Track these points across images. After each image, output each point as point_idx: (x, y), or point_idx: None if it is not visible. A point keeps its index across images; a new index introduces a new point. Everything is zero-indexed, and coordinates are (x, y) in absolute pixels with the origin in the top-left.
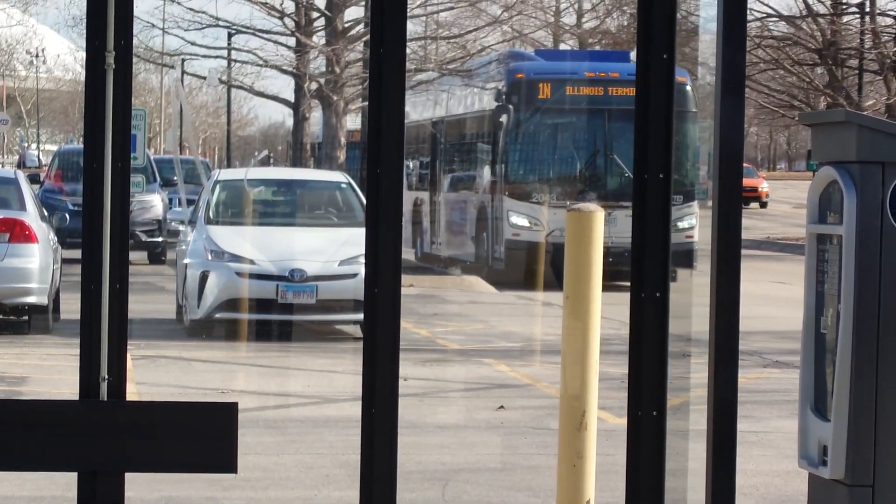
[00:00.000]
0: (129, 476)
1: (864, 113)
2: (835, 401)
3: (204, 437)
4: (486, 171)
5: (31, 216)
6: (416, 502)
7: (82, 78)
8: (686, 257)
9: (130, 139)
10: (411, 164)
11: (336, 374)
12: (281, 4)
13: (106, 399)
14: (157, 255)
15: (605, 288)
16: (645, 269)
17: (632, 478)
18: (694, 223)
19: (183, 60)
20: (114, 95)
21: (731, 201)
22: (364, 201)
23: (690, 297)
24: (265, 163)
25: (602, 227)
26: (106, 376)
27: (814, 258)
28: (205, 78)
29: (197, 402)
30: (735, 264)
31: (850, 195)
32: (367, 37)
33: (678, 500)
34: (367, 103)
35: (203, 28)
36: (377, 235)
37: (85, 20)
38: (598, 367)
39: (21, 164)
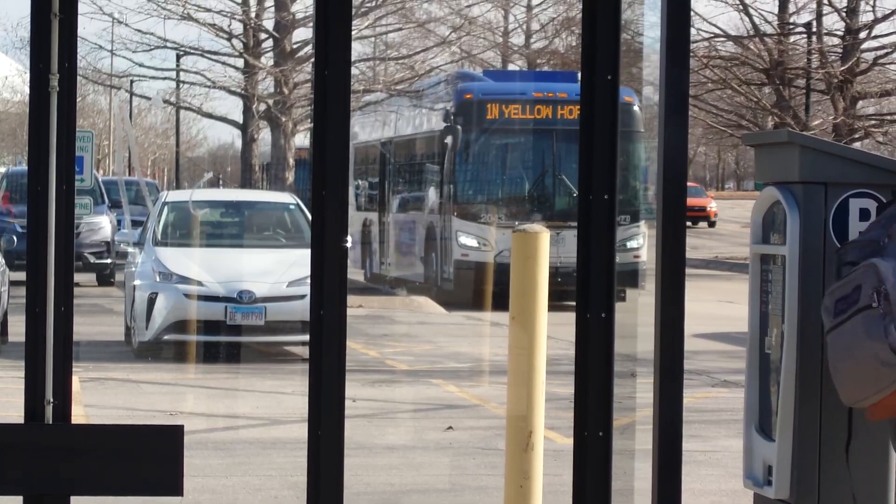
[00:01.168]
0: (75, 500)
1: (811, 132)
2: (779, 421)
3: (150, 459)
4: (432, 191)
5: None
6: None
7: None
8: (633, 277)
9: (75, 162)
10: (360, 185)
11: (285, 396)
12: (229, 26)
13: (51, 422)
14: (105, 277)
15: (554, 308)
16: (590, 289)
17: (578, 499)
18: (642, 243)
19: (132, 82)
20: (58, 118)
21: (675, 221)
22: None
23: (637, 316)
24: (213, 184)
25: (547, 248)
26: (51, 399)
27: (757, 278)
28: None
29: (143, 426)
30: (679, 284)
31: (792, 215)
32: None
33: None
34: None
35: (151, 49)
36: (322, 257)
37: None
38: (546, 388)
39: None
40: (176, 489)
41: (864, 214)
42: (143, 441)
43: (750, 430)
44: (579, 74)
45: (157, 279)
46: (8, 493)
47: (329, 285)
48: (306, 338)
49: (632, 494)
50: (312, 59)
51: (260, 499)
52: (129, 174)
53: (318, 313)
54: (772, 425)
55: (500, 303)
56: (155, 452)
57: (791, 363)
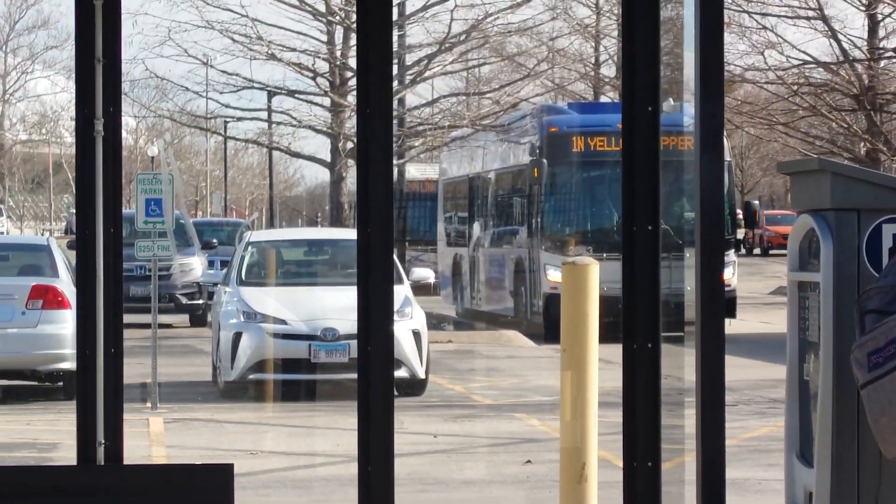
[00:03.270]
0: None
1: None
2: (817, 448)
3: (201, 498)
4: (520, 225)
5: (64, 282)
6: None
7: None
8: (727, 306)
9: (121, 205)
10: (450, 220)
11: None
12: (313, 65)
13: (103, 463)
14: (198, 318)
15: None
16: (636, 320)
17: None
18: (732, 272)
19: (226, 123)
20: (103, 162)
21: (713, 253)
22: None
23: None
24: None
25: (597, 280)
26: (102, 440)
27: (796, 305)
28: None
29: (193, 465)
30: (718, 314)
31: (826, 243)
32: (401, 94)
33: None
34: (401, 160)
35: (238, 90)
36: (368, 294)
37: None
38: (597, 419)
39: (68, 231)
40: None
41: None
42: (194, 480)
43: (791, 456)
44: (664, 104)
45: (242, 319)
46: None
47: (375, 321)
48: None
49: None
50: (399, 96)
51: None
52: (227, 215)
53: (366, 348)
54: (811, 452)
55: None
56: (205, 491)
57: (828, 390)
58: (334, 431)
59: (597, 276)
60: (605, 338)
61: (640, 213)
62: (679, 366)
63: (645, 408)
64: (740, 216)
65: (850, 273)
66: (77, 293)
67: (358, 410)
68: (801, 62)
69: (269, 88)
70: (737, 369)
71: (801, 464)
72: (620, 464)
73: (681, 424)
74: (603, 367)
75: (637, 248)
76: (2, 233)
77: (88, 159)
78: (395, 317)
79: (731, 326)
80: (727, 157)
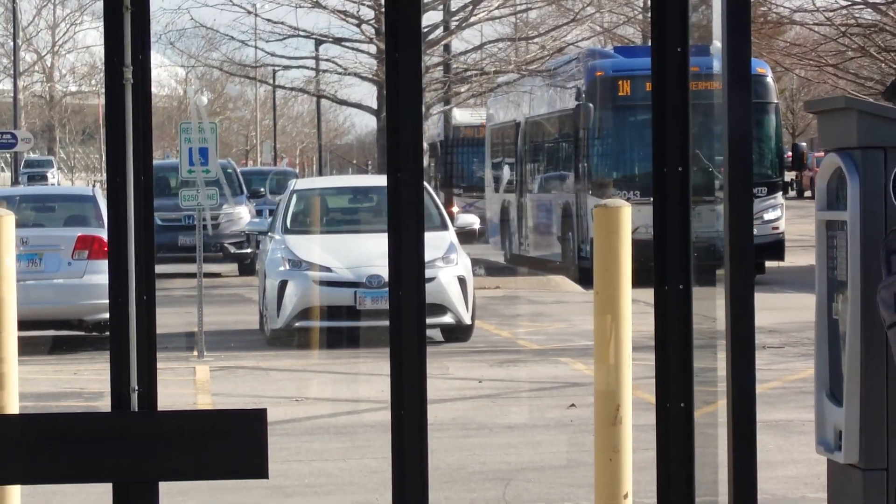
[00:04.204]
0: (187, 485)
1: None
2: (846, 386)
3: (234, 444)
4: (567, 171)
5: None
6: (476, 502)
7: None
8: (776, 249)
9: (152, 152)
10: (498, 166)
11: None
12: (358, 12)
13: (137, 409)
14: (246, 267)
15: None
16: (667, 261)
17: (662, 469)
18: (780, 214)
19: (274, 72)
20: (133, 110)
21: (743, 196)
22: (438, 204)
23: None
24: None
25: (629, 222)
26: (136, 387)
27: (824, 244)
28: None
29: (226, 410)
30: (747, 257)
31: (853, 181)
32: (447, 40)
33: (709, 491)
34: (447, 107)
35: (283, 38)
36: (400, 239)
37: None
38: (631, 361)
39: None
40: (261, 472)
41: None
42: (227, 426)
43: (821, 395)
44: (712, 47)
45: (287, 267)
46: (96, 480)
47: (407, 267)
48: (436, 320)
49: (716, 465)
50: (444, 42)
51: (375, 481)
52: (276, 163)
53: (397, 294)
54: (841, 391)
55: (639, 279)
56: (239, 436)
57: (856, 328)
58: (379, 378)
59: (629, 218)
60: (648, 281)
61: (670, 154)
62: (712, 309)
63: (677, 349)
64: (789, 158)
65: (877, 211)
66: (108, 241)
67: (390, 355)
68: (849, 2)
69: (314, 36)
70: (784, 312)
71: (830, 402)
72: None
73: (714, 367)
74: (645, 309)
75: (668, 189)
76: (53, 184)
77: (118, 107)
78: (440, 263)
79: (781, 267)
80: (774, 99)
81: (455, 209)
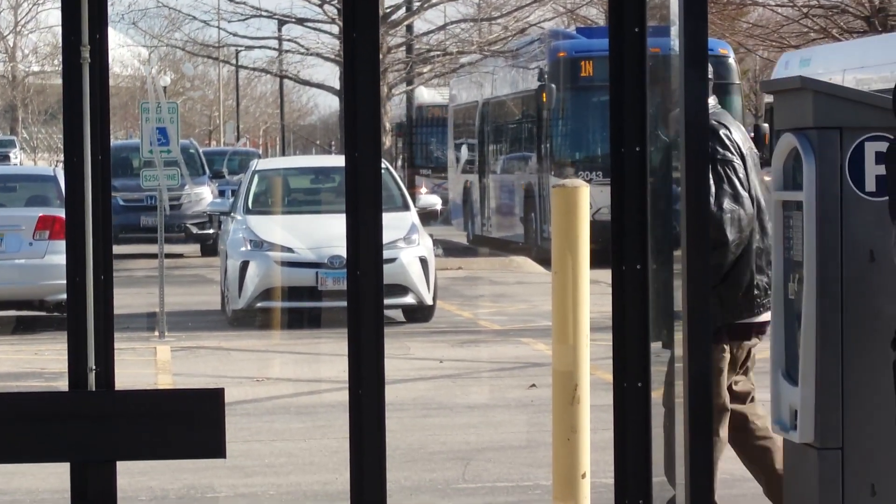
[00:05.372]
0: (147, 465)
1: None
2: (802, 366)
3: (192, 423)
4: (529, 151)
5: None
6: (437, 482)
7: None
8: None
9: (109, 131)
10: (460, 147)
11: None
12: None
13: (94, 389)
14: (209, 247)
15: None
16: (624, 242)
17: (619, 449)
18: None
19: (237, 52)
20: (90, 89)
21: (700, 176)
22: (400, 185)
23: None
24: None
25: (587, 202)
26: (93, 366)
27: (780, 225)
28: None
29: (183, 389)
30: (703, 236)
31: (808, 161)
32: (409, 21)
33: (666, 470)
34: (410, 87)
35: (246, 19)
36: (357, 219)
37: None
38: (589, 342)
39: None
40: (219, 451)
41: (879, 158)
42: (185, 405)
43: (777, 375)
44: (672, 29)
45: (249, 247)
46: (54, 460)
47: (364, 246)
48: (397, 300)
49: (672, 445)
50: (406, 23)
51: (335, 461)
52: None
53: (355, 273)
54: (797, 370)
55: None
56: (197, 416)
57: (811, 308)
58: (340, 358)
59: (587, 198)
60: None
61: (628, 134)
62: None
63: (634, 329)
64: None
65: (833, 191)
66: (66, 220)
67: (348, 335)
68: None
69: (276, 17)
70: None
71: (786, 382)
72: None
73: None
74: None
75: (626, 169)
76: (16, 164)
77: (76, 86)
78: (402, 243)
79: None
80: (736, 80)
81: (423, 190)
